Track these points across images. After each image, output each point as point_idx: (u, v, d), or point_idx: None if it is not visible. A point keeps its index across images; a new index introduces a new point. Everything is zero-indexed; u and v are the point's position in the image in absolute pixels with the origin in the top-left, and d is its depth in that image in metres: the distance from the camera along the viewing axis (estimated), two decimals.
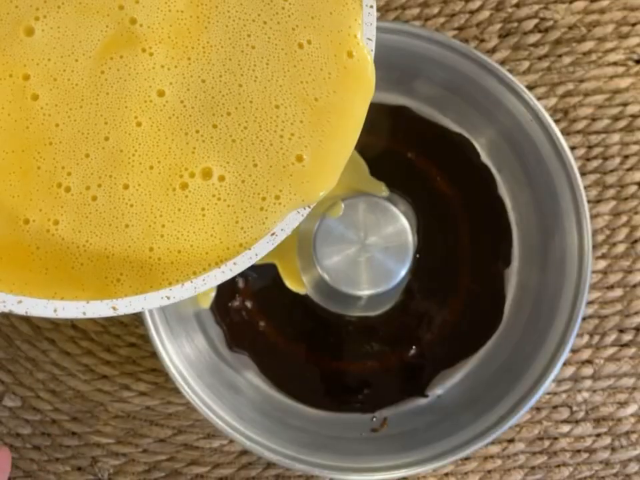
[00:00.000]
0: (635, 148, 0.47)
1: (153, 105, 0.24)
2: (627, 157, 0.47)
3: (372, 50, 0.25)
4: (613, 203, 0.47)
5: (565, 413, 0.46)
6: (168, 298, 0.24)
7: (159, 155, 0.24)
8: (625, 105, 0.48)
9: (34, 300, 0.23)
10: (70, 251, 0.24)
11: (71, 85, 0.24)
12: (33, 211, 0.24)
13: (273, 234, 0.25)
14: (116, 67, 0.24)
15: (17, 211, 0.24)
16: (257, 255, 0.24)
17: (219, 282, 0.24)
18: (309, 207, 0.25)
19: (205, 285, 0.24)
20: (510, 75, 0.41)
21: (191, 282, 0.24)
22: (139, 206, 0.24)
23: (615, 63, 0.48)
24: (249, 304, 0.43)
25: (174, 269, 0.24)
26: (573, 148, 0.47)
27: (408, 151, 0.45)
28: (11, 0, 0.24)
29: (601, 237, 0.47)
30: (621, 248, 0.47)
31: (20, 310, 0.22)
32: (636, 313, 0.47)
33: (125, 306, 0.23)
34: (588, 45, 0.48)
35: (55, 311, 0.23)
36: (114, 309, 0.23)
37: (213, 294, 0.42)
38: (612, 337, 0.46)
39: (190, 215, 0.24)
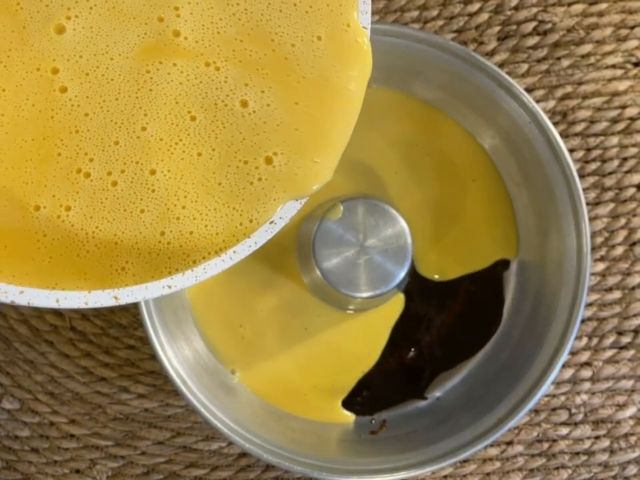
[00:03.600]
0: (633, 150, 0.47)
1: (229, 109, 0.25)
2: (625, 159, 0.47)
3: (367, 36, 0.26)
4: (611, 206, 0.47)
5: (563, 415, 0.46)
6: (169, 287, 0.24)
7: (214, 144, 0.25)
8: (623, 107, 0.48)
9: (36, 290, 0.23)
10: (78, 238, 0.24)
11: (105, 80, 0.24)
12: (46, 197, 0.24)
13: (272, 222, 0.25)
14: (166, 70, 0.25)
15: (29, 197, 0.24)
16: (256, 243, 0.25)
17: (219, 270, 0.24)
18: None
19: (206, 273, 0.24)
20: (508, 78, 0.41)
21: (192, 270, 0.24)
22: (162, 190, 0.25)
23: (613, 66, 0.48)
24: None
25: (181, 253, 0.24)
26: (571, 150, 0.47)
27: None
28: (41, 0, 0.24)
29: (599, 239, 0.47)
30: (619, 250, 0.47)
31: (22, 300, 0.22)
32: (634, 315, 0.47)
33: (126, 295, 0.24)
34: (586, 48, 0.48)
35: (57, 301, 0.23)
36: (116, 298, 0.23)
37: None
38: (610, 339, 0.46)
39: (230, 189, 0.25)
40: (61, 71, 0.24)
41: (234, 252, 0.25)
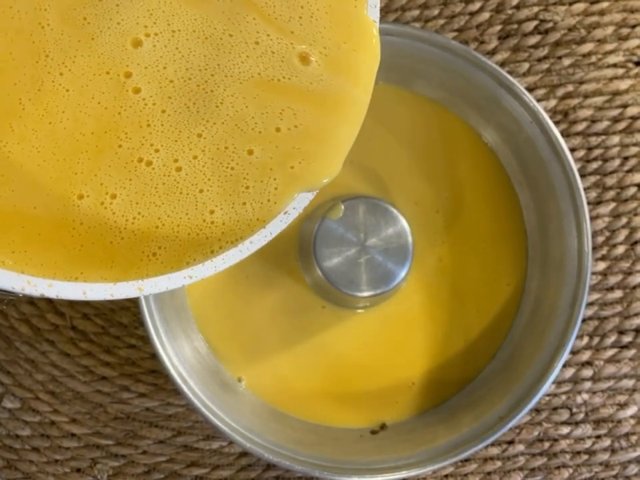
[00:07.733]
0: (634, 150, 0.47)
1: None
2: (626, 158, 0.47)
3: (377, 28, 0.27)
4: (612, 205, 0.47)
5: (564, 415, 0.46)
6: (190, 277, 0.24)
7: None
8: (624, 106, 0.48)
9: (63, 283, 0.23)
10: (116, 225, 0.24)
11: (203, 90, 0.25)
12: (92, 186, 0.24)
13: (285, 212, 0.26)
14: None
15: (74, 186, 0.24)
16: (271, 233, 0.26)
17: (237, 260, 0.25)
18: None
19: (224, 263, 0.25)
20: (510, 77, 0.41)
21: (212, 261, 0.25)
22: (256, 163, 0.25)
23: (614, 65, 0.48)
24: None
25: (219, 233, 0.25)
26: (572, 149, 0.47)
27: None
28: (111, 18, 0.25)
29: (600, 239, 0.47)
30: (620, 249, 0.47)
31: (51, 293, 0.23)
32: (636, 315, 0.47)
33: (150, 286, 0.24)
34: (588, 47, 0.48)
35: (85, 293, 0.23)
36: (140, 289, 0.24)
37: None
38: (612, 339, 0.46)
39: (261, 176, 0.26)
40: (134, 74, 0.25)
41: (250, 242, 0.25)
